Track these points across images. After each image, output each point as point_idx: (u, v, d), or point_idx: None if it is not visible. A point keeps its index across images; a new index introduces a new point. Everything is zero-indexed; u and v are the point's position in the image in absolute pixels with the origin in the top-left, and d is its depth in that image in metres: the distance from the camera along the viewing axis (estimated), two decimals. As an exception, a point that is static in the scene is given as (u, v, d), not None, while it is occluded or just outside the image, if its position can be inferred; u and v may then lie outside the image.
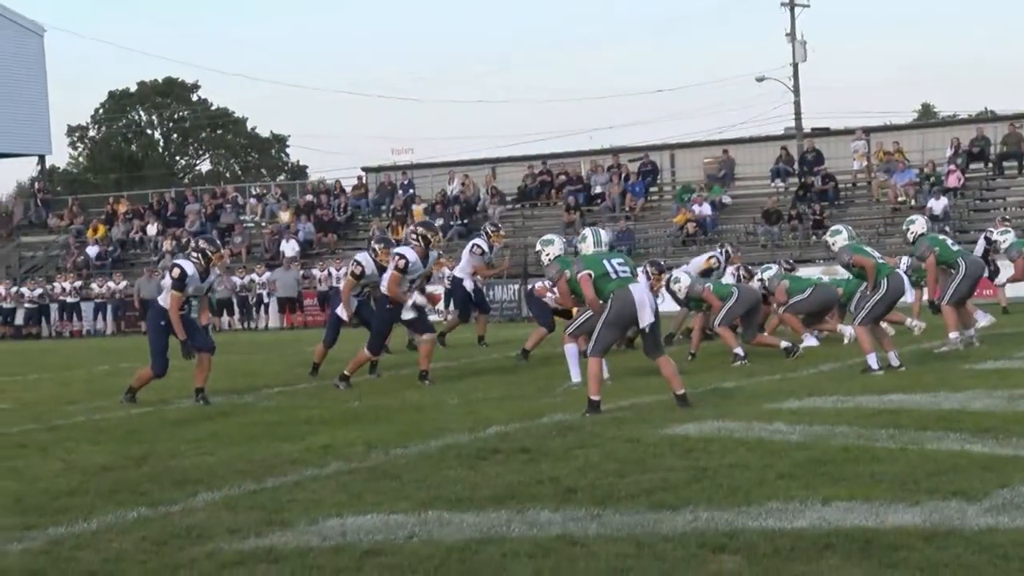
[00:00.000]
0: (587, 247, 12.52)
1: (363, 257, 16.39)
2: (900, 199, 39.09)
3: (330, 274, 38.85)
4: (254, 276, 40.32)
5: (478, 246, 21.44)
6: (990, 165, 39.57)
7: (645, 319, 11.89)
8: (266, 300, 39.71)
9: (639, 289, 12.08)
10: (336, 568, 6.41)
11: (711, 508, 7.33)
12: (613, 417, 11.32)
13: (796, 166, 42.01)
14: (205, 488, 8.72)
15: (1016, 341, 17.43)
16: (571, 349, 14.55)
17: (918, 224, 17.15)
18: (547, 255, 14.88)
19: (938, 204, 36.63)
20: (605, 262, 12.15)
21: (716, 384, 13.88)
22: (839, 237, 15.02)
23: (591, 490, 8.06)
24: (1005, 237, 15.89)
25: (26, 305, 42.45)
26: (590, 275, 12.08)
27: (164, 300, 14.21)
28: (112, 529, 7.56)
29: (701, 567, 6.11)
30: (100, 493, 8.76)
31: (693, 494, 7.74)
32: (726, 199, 41.59)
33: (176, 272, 14.11)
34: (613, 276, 12.00)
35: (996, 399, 11.42)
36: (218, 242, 15.72)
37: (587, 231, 12.85)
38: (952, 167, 38.85)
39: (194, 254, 14.32)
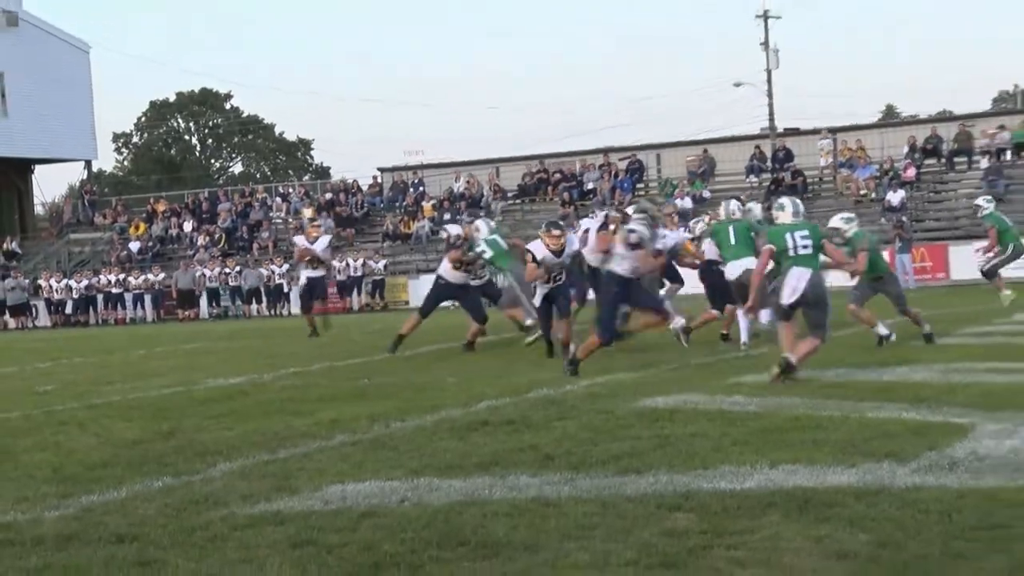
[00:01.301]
0: (785, 216, 11.95)
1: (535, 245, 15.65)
2: (862, 192, 39.11)
3: (348, 264, 38.95)
4: (275, 268, 40.40)
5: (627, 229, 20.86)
6: (943, 161, 39.58)
7: (787, 298, 11.57)
8: (287, 290, 39.72)
9: (800, 272, 11.51)
10: (335, 528, 6.47)
11: (671, 472, 7.40)
12: (589, 392, 11.39)
13: (769, 163, 42.02)
14: (223, 459, 8.74)
15: (956, 320, 17.49)
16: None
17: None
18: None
19: (895, 196, 36.67)
20: (788, 237, 11.60)
21: (686, 360, 13.93)
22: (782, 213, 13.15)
23: (566, 457, 8.12)
24: (849, 226, 14.95)
25: (74, 296, 42.56)
26: (772, 250, 11.71)
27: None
28: (138, 497, 7.59)
29: (658, 524, 6.18)
30: (129, 464, 8.80)
31: (656, 460, 7.81)
32: (706, 193, 41.57)
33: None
34: (791, 253, 11.54)
35: (933, 372, 11.50)
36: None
37: (785, 200, 12.27)
38: (908, 163, 38.89)
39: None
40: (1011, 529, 5.74)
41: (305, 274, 23.42)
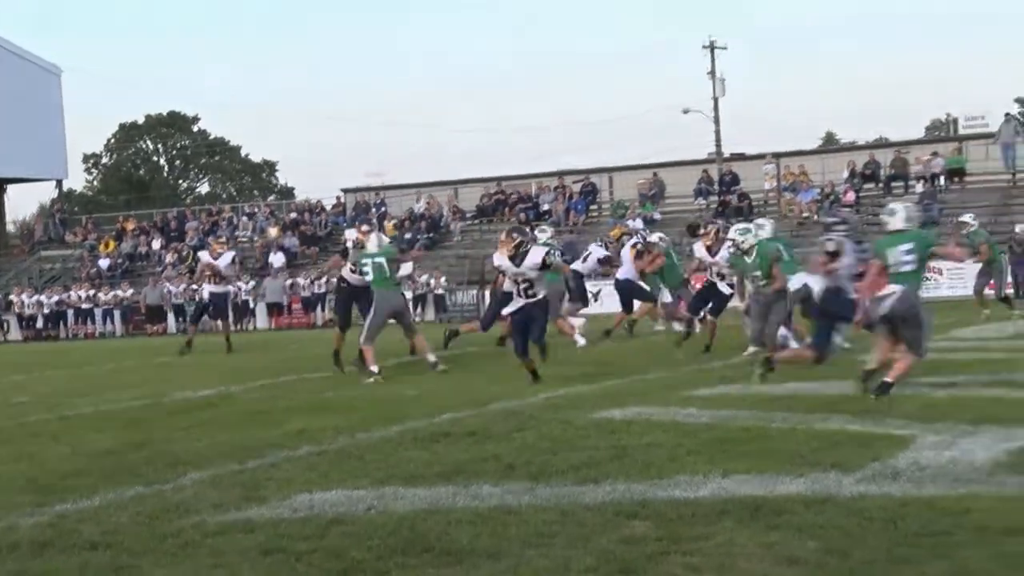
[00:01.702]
0: (895, 222, 11.17)
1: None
2: (804, 214, 39.39)
3: (312, 282, 38.78)
4: (241, 284, 40.24)
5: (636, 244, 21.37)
6: (880, 185, 39.94)
7: (877, 312, 11.01)
8: (252, 305, 39.61)
9: (893, 288, 10.89)
10: (304, 536, 6.44)
11: (628, 481, 7.40)
12: (548, 403, 11.39)
13: (716, 186, 42.25)
14: (194, 469, 8.68)
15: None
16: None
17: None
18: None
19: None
20: (891, 253, 10.95)
21: (641, 374, 13.95)
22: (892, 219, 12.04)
23: (527, 467, 8.11)
24: (744, 237, 14.57)
25: (45, 311, 42.15)
26: (880, 265, 11.07)
27: None
28: (111, 505, 7.54)
29: (615, 531, 6.18)
30: (102, 474, 8.72)
31: (613, 469, 7.81)
32: (656, 215, 41.74)
33: None
34: (891, 270, 10.94)
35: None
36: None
37: (898, 206, 11.53)
38: (848, 187, 39.23)
39: None
40: (952, 536, 5.78)
41: (208, 289, 23.35)
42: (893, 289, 10.91)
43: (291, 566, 5.88)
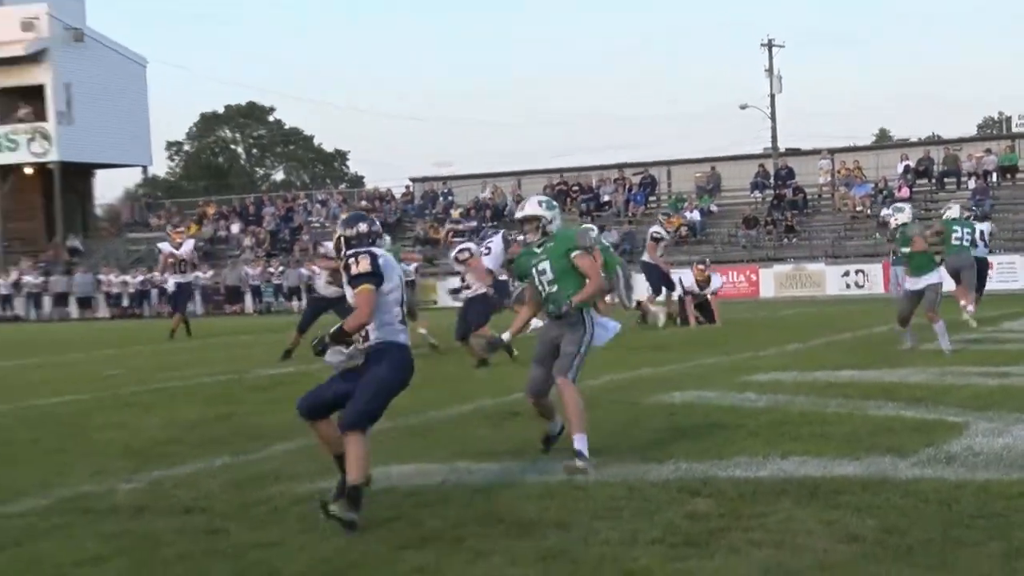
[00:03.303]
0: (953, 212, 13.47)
1: None
2: (858, 208, 39.05)
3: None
4: (315, 268, 40.58)
5: (657, 232, 21.49)
6: (933, 181, 39.48)
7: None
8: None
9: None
10: (384, 505, 6.53)
11: (690, 460, 7.44)
12: (614, 386, 11.43)
13: (772, 180, 41.94)
14: (278, 441, 8.83)
15: (948, 327, 17.42)
16: (939, 326, 13.57)
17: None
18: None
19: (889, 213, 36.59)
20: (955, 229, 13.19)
21: (699, 360, 13.95)
22: (901, 214, 14.32)
23: (594, 445, 8.13)
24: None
25: (130, 290, 42.75)
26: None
27: None
28: (202, 473, 7.70)
29: (680, 507, 6.23)
30: (192, 443, 8.92)
31: (676, 449, 7.85)
32: (713, 207, 41.58)
33: None
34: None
35: (929, 374, 11.49)
36: None
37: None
38: (901, 182, 38.81)
39: None
40: (1006, 518, 5.77)
41: (173, 280, 22.86)
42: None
43: (373, 532, 5.99)
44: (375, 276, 6.41)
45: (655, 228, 22.05)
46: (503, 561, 5.37)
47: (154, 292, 42.75)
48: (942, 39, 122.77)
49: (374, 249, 6.55)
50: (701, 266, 20.92)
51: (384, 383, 6.53)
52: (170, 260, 22.58)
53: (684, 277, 20.85)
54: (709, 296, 20.56)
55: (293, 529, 6.11)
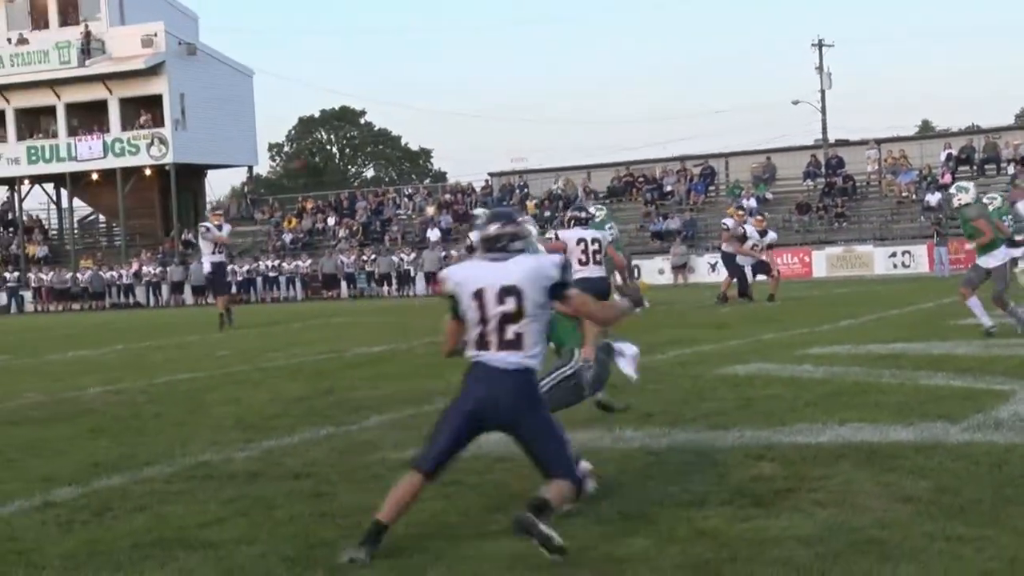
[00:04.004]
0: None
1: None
2: (904, 194, 38.41)
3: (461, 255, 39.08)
4: (403, 256, 40.81)
5: (725, 224, 21.79)
6: (974, 168, 38.70)
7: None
8: (413, 274, 40.18)
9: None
10: (474, 470, 6.54)
11: (754, 428, 7.37)
12: (679, 360, 11.35)
13: (823, 169, 41.38)
14: (375, 413, 8.87)
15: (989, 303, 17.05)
16: (974, 301, 12.50)
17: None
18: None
19: (933, 198, 36.01)
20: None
21: (758, 335, 13.81)
22: (966, 194, 12.76)
23: (663, 415, 8.12)
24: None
25: (238, 279, 43.27)
26: None
27: None
28: (308, 442, 7.76)
29: (746, 471, 6.18)
30: (298, 416, 8.99)
31: (740, 418, 7.79)
32: (768, 195, 41.10)
33: None
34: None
35: (975, 347, 11.27)
36: None
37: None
38: (944, 169, 38.10)
39: None
40: (1054, 480, 5.64)
41: (209, 260, 21.42)
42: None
43: (465, 495, 6.01)
44: None
45: (725, 220, 22.11)
46: (585, 521, 5.35)
47: (259, 280, 43.35)
48: (977, 33, 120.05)
49: None
50: (760, 217, 22.44)
51: None
52: (219, 241, 21.24)
53: (747, 228, 21.39)
54: (765, 248, 21.52)
55: (392, 492, 6.13)
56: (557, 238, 12.85)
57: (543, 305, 5.03)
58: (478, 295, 5.01)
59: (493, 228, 5.17)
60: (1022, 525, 4.88)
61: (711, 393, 9.04)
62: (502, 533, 5.26)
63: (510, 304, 4.97)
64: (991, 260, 12.48)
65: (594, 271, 11.66)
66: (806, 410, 7.95)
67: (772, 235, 22.48)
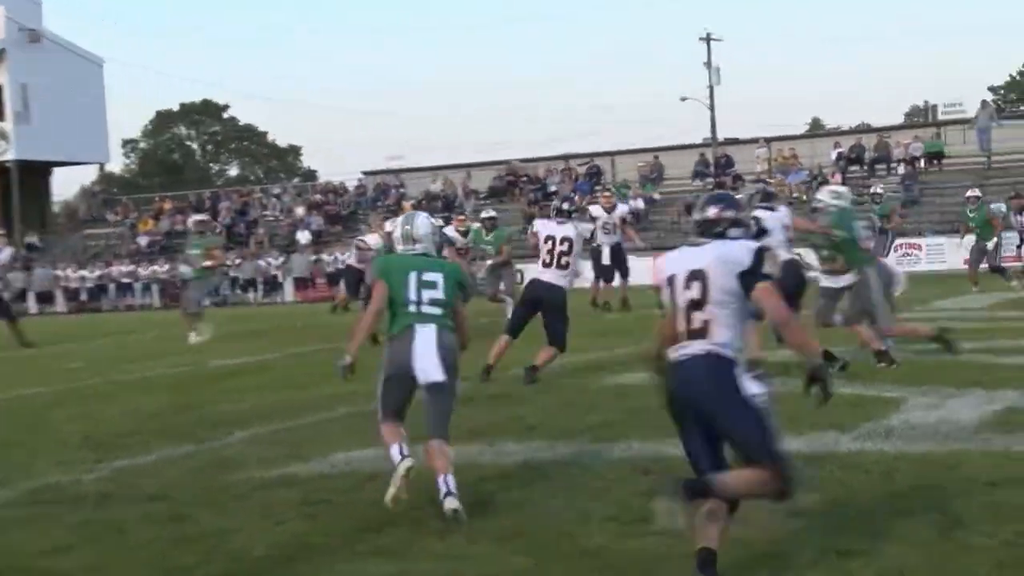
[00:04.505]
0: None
1: None
2: (794, 195, 39.33)
3: (336, 258, 38.81)
4: (270, 260, 40.37)
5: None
6: (865, 167, 39.87)
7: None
8: (281, 279, 39.78)
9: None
10: (344, 489, 6.52)
11: (642, 440, 7.46)
12: (567, 368, 11.41)
13: (712, 168, 42.18)
14: (239, 429, 8.77)
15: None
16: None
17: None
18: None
19: (824, 198, 36.90)
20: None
21: (648, 342, 13.91)
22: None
23: (547, 427, 8.17)
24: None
25: (88, 285, 42.29)
26: None
27: None
28: (165, 461, 7.64)
29: (634, 485, 6.24)
30: (154, 433, 8.82)
31: (627, 429, 7.87)
32: (656, 196, 41.72)
33: None
34: None
35: (864, 353, 11.54)
36: None
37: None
38: (835, 169, 39.18)
39: None
40: (944, 488, 5.84)
41: None
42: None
43: (334, 516, 5.96)
44: None
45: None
46: (463, 540, 5.36)
47: (111, 286, 42.41)
48: (865, 30, 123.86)
49: None
50: (608, 193, 21.22)
51: None
52: None
53: (593, 208, 20.79)
54: (619, 224, 20.57)
55: (255, 514, 6.06)
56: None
57: (733, 292, 4.88)
58: (670, 281, 5.01)
59: (712, 211, 5.15)
60: (912, 536, 5.04)
61: (598, 404, 9.12)
62: (372, 555, 5.24)
63: (695, 290, 4.90)
64: (842, 279, 11.20)
65: (550, 276, 11.01)
66: (695, 420, 8.05)
67: (623, 208, 21.03)
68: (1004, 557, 4.75)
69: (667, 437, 7.39)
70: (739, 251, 4.94)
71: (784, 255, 10.44)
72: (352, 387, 10.69)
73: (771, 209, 10.81)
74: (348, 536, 5.56)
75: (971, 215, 21.99)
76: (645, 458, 6.89)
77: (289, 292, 39.63)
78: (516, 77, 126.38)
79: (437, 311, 6.46)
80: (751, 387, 5.08)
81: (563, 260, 11.06)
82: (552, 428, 8.09)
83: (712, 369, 4.83)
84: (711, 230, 5.08)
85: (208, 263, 17.84)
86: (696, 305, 4.87)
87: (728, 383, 4.84)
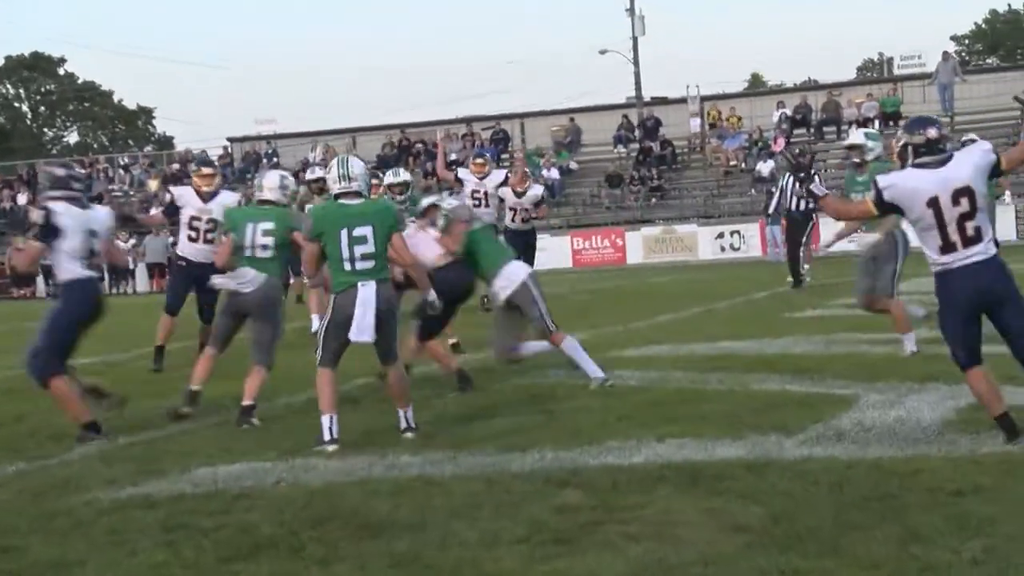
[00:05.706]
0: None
1: None
2: (731, 163, 39.80)
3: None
4: (120, 243, 39.77)
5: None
6: (812, 130, 40.45)
7: None
8: (133, 266, 39.23)
9: None
10: (208, 511, 6.45)
11: (557, 448, 7.50)
12: (470, 368, 11.41)
13: (637, 133, 42.49)
14: (80, 443, 8.65)
15: (831, 291, 17.88)
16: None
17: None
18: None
19: (765, 167, 37.38)
20: None
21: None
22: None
23: (447, 436, 8.19)
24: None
25: None
26: None
27: None
28: (-8, 482, 7.51)
29: (546, 501, 6.27)
30: (-22, 448, 8.67)
31: (541, 436, 7.90)
32: (573, 164, 41.94)
33: None
34: None
35: (814, 344, 11.79)
36: None
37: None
38: (778, 132, 39.69)
39: None
40: (901, 499, 5.95)
41: None
42: None
43: (197, 543, 5.89)
44: None
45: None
46: (349, 568, 5.34)
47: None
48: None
49: None
50: (480, 160, 19.26)
51: None
52: None
53: (462, 172, 19.63)
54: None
55: (101, 543, 5.97)
56: None
57: (984, 194, 6.84)
58: (932, 203, 6.75)
59: (932, 132, 6.86)
60: (865, 553, 5.13)
61: (505, 407, 9.15)
62: (243, 589, 5.19)
63: (964, 204, 6.73)
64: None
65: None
66: (618, 425, 8.14)
67: (496, 176, 19.60)
68: (970, 576, 4.86)
69: (585, 445, 7.50)
70: (981, 157, 6.87)
71: None
72: (218, 391, 10.70)
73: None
74: (214, 567, 5.51)
75: None
76: (561, 469, 6.93)
77: (142, 281, 39.11)
78: (409, 28, 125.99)
79: (370, 264, 8.06)
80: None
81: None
82: (453, 436, 8.10)
83: (1004, 268, 6.85)
84: (936, 147, 6.83)
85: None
86: (967, 216, 6.71)
87: (1014, 280, 6.86)
